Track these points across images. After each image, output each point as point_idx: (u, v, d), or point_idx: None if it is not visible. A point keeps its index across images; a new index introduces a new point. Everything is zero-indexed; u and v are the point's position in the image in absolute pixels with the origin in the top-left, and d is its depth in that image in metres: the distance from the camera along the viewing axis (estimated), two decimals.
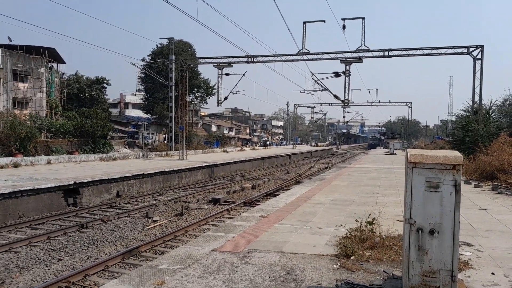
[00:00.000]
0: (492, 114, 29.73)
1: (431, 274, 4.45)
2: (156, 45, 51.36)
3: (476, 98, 27.86)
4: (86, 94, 46.10)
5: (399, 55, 29.05)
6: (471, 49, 27.45)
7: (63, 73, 45.14)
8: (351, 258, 6.40)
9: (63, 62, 41.31)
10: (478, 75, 27.33)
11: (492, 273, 5.69)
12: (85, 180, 16.63)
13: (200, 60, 36.52)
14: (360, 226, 7.50)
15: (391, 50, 28.67)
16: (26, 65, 35.05)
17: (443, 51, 28.14)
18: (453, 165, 4.36)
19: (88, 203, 16.53)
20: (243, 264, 6.11)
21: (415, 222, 4.48)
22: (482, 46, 27.29)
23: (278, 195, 15.62)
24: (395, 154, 51.67)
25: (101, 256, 9.72)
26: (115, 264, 8.85)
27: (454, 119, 41.80)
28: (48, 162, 24.04)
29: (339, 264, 6.15)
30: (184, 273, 5.67)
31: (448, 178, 4.36)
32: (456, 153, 4.58)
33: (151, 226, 12.65)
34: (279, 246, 7.12)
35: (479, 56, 27.24)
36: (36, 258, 9.31)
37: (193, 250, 6.87)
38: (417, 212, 4.48)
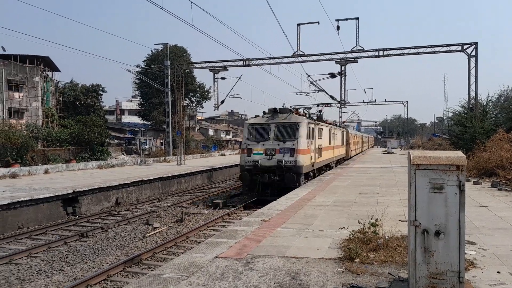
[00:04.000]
0: (488, 110, 29.82)
1: (438, 276, 4.42)
2: (151, 51, 51.38)
3: (472, 95, 27.98)
4: (82, 102, 45.99)
5: (393, 55, 29.15)
6: (465, 47, 27.57)
7: (58, 82, 45.03)
8: (356, 260, 6.36)
9: (58, 71, 41.16)
10: (473, 71, 27.46)
11: (498, 272, 5.66)
12: (84, 189, 16.53)
13: (195, 64, 36.52)
14: (363, 228, 7.46)
15: (386, 49, 28.77)
16: (21, 75, 34.89)
17: (437, 49, 28.25)
18: (457, 166, 4.34)
19: (88, 211, 16.43)
20: (247, 271, 6.06)
21: (420, 224, 4.45)
22: (476, 43, 27.41)
23: (279, 197, 15.55)
24: (393, 152, 51.73)
25: (102, 265, 9.64)
26: (117, 273, 8.78)
27: (450, 116, 41.90)
28: (46, 172, 23.91)
29: (343, 267, 6.11)
30: (188, 282, 5.61)
31: (452, 178, 4.34)
32: (459, 153, 4.56)
33: (152, 233, 12.58)
34: (283, 251, 7.08)
35: (473, 53, 27.36)
36: (37, 270, 9.23)
37: (196, 257, 6.81)
38: (422, 214, 4.45)
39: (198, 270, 6.12)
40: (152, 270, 6.19)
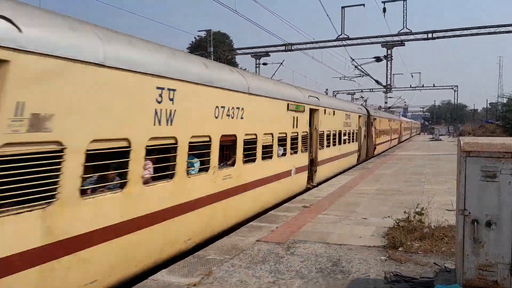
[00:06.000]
0: None
1: (488, 268, 4.25)
2: (195, 37, 52.07)
3: None
4: None
5: (444, 37, 27.70)
6: None
7: None
8: (399, 249, 6.23)
9: None
10: None
11: None
12: None
13: (237, 51, 36.66)
14: (408, 217, 7.28)
15: (435, 31, 27.40)
16: None
17: (493, 30, 26.53)
18: None
19: None
20: (288, 255, 6.11)
21: (469, 213, 4.27)
22: None
23: (320, 184, 15.46)
24: (441, 140, 49.69)
25: None
26: None
27: (505, 102, 39.48)
28: None
29: (386, 255, 6.01)
30: (230, 264, 5.75)
31: (506, 166, 4.11)
32: None
33: None
34: (324, 237, 7.06)
35: None
36: None
37: (238, 240, 6.95)
38: (471, 203, 4.27)
39: (240, 252, 6.25)
40: (196, 252, 6.38)
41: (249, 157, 8.42)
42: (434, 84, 62.40)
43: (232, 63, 50.35)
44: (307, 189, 12.33)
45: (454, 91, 65.58)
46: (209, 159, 6.83)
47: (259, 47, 32.05)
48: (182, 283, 5.03)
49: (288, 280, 5.12)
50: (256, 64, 32.78)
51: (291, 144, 10.91)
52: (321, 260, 5.88)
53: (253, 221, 8.45)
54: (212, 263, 5.76)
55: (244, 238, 7.08)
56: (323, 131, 13.97)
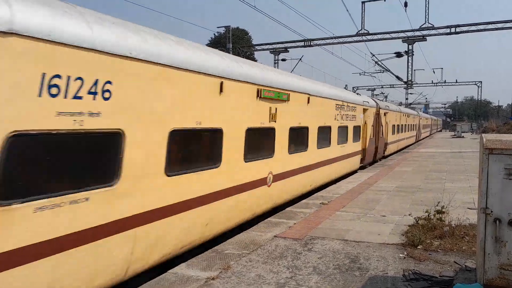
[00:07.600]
0: None
1: (510, 267, 4.18)
2: (214, 34, 52.29)
3: None
4: None
5: (468, 31, 27.01)
6: None
7: None
8: (418, 247, 6.17)
9: None
10: None
11: None
12: None
13: (256, 47, 36.60)
14: (428, 215, 7.19)
15: (459, 26, 26.75)
16: None
17: None
18: None
19: None
20: (306, 251, 6.13)
21: (491, 212, 4.20)
22: None
23: (338, 181, 15.37)
24: (463, 137, 48.57)
25: None
26: None
27: None
28: None
29: (405, 253, 5.96)
30: (248, 258, 5.80)
31: None
32: None
33: None
34: (342, 234, 7.04)
35: None
36: None
37: (256, 235, 6.99)
38: (494, 202, 4.20)
39: (258, 248, 6.30)
40: (214, 246, 6.47)
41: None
42: (456, 80, 61.26)
43: (251, 59, 50.28)
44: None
45: (478, 87, 64.10)
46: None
47: (278, 43, 31.96)
48: (201, 276, 5.12)
49: (306, 276, 5.14)
50: (275, 60, 32.72)
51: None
52: (338, 256, 5.87)
53: (271, 217, 8.49)
54: (230, 258, 5.82)
55: (262, 233, 7.12)
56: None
